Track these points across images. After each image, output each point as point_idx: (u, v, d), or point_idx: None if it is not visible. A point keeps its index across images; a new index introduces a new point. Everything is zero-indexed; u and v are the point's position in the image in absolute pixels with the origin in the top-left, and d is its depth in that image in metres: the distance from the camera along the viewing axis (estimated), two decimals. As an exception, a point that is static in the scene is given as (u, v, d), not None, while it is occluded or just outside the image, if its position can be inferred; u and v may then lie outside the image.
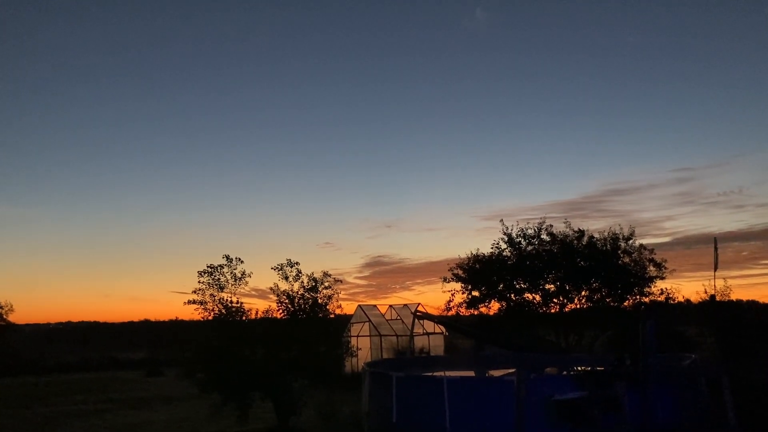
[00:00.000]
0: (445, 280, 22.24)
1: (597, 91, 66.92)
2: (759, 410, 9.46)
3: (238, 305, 13.25)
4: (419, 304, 28.29)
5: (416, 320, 25.44)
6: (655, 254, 20.83)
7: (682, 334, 19.50)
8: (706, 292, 19.12)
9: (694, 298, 20.50)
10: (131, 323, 75.45)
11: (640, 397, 8.44)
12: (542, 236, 21.39)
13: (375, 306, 29.37)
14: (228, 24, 71.27)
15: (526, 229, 21.56)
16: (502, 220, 21.80)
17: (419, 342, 27.44)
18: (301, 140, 79.22)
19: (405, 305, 29.64)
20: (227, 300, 13.21)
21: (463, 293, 21.76)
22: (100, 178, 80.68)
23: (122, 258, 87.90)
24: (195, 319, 13.79)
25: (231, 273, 13.23)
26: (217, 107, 76.39)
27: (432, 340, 28.31)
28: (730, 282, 22.68)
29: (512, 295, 21.21)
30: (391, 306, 29.86)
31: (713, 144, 68.83)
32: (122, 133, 77.71)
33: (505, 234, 21.64)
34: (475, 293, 21.54)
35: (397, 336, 26.82)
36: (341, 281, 14.26)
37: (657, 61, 64.27)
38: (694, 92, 65.27)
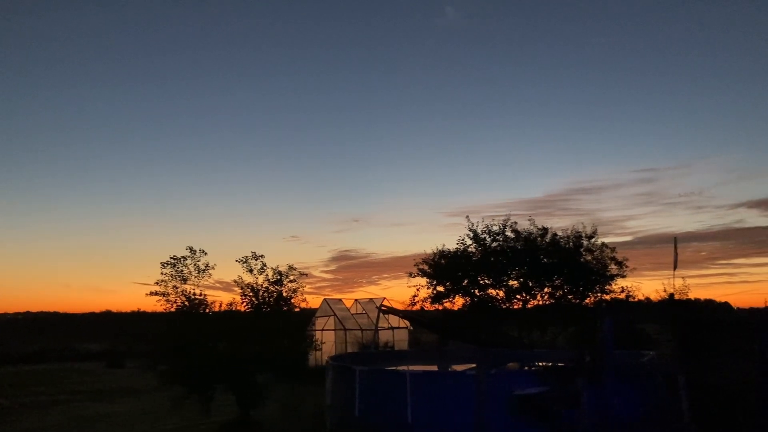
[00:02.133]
0: (410, 275, 22.35)
1: (564, 91, 67.69)
2: (712, 406, 9.70)
3: (202, 297, 13.15)
4: (385, 298, 28.40)
5: (381, 314, 25.55)
6: (616, 253, 21.21)
7: (642, 332, 19.89)
8: (665, 291, 19.56)
9: (654, 297, 20.97)
10: (92, 314, 74.17)
11: (597, 393, 8.60)
12: (507, 233, 21.61)
13: (341, 300, 29.38)
14: (190, 12, 70.28)
15: (492, 226, 21.77)
16: (467, 217, 21.98)
17: (384, 336, 27.52)
18: (268, 133, 78.57)
19: (371, 300, 29.70)
20: (190, 292, 13.09)
21: (428, 288, 21.90)
22: (61, 167, 79.11)
23: (83, 247, 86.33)
24: (158, 310, 13.65)
25: (194, 265, 13.12)
26: (182, 98, 75.29)
27: (397, 334, 28.42)
28: (688, 281, 23.25)
29: (476, 291, 21.40)
30: (356, 300, 29.90)
31: (675, 146, 70.24)
32: (85, 122, 76.13)
33: (470, 230, 21.82)
34: (440, 288, 21.68)
35: (362, 330, 26.85)
36: (306, 275, 14.26)
37: (622, 63, 65.23)
38: (658, 95, 66.49)
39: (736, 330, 10.67)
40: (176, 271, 13.05)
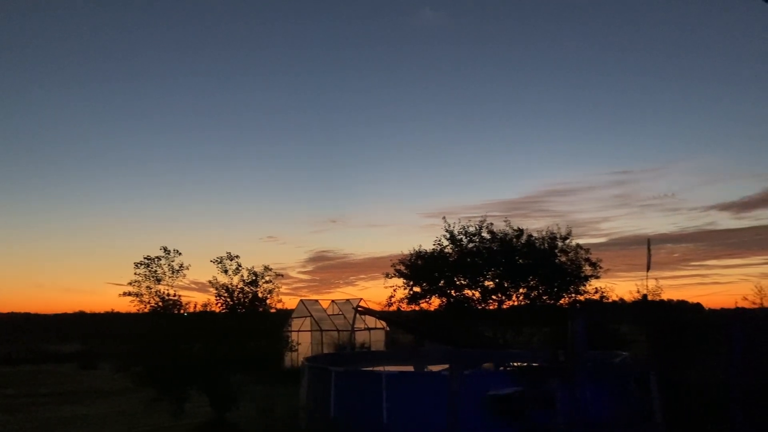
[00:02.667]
0: (387, 275, 22.37)
1: (540, 94, 68.30)
2: (684, 406, 9.84)
3: (176, 298, 13.02)
4: (361, 299, 28.38)
5: (358, 315, 25.53)
6: (590, 254, 21.43)
7: (616, 332, 20.11)
8: (638, 292, 19.77)
9: (628, 297, 21.19)
10: (65, 315, 73.04)
11: (571, 393, 8.67)
12: (483, 234, 21.73)
13: (317, 301, 29.32)
14: (166, 13, 69.66)
15: (468, 227, 21.88)
16: (444, 218, 22.08)
17: (360, 337, 27.52)
18: (245, 133, 78.18)
19: (347, 300, 29.66)
20: (164, 292, 12.96)
21: (404, 289, 21.94)
22: (33, 166, 77.92)
23: (56, 247, 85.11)
24: (132, 311, 13.49)
25: (168, 265, 12.98)
26: (157, 98, 74.59)
27: (373, 335, 28.42)
28: (661, 282, 23.54)
29: (453, 292, 21.49)
30: (333, 301, 29.83)
31: (649, 149, 71.21)
32: (58, 123, 75.10)
33: (447, 231, 21.92)
34: (417, 289, 21.74)
35: (338, 331, 26.81)
36: (282, 276, 14.19)
37: (598, 66, 65.99)
38: (633, 98, 67.32)
39: (706, 331, 10.83)
40: (150, 271, 12.91)
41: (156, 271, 12.92)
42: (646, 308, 18.35)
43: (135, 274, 12.90)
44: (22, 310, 77.40)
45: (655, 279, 20.98)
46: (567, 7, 65.41)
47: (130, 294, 12.89)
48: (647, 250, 15.91)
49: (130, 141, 78.08)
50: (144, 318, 13.14)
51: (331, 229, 76.77)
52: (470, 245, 21.72)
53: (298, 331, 26.52)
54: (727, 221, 67.80)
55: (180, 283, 13.16)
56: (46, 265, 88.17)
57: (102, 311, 60.24)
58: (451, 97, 72.65)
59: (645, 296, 19.87)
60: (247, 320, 13.14)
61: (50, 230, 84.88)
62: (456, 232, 21.81)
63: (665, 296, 20.20)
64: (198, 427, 12.99)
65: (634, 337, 20.45)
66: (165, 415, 13.24)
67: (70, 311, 74.91)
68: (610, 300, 21.35)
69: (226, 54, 72.42)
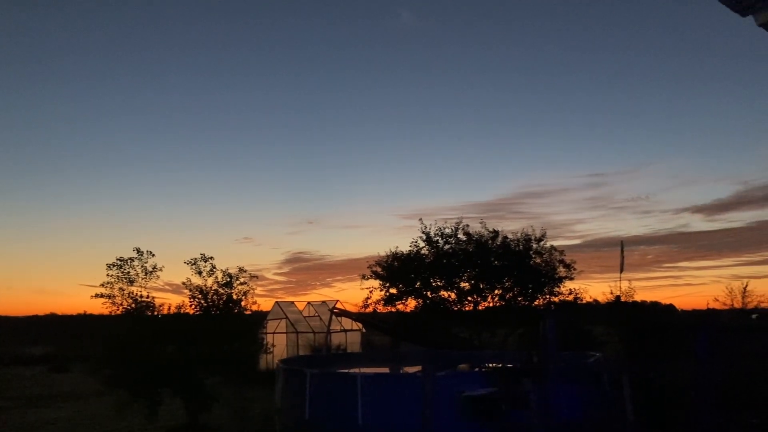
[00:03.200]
0: (363, 277, 22.39)
1: (515, 96, 68.83)
2: (655, 405, 9.99)
3: (149, 299, 12.89)
4: (338, 300, 28.33)
5: (334, 317, 25.48)
6: (565, 255, 21.66)
7: (590, 333, 20.34)
8: (612, 293, 20.03)
9: (602, 299, 21.45)
10: (36, 317, 71.87)
11: (543, 393, 8.78)
12: (459, 236, 21.86)
13: (293, 303, 29.16)
14: (142, 13, 68.98)
15: (444, 229, 22.00)
16: (421, 219, 22.18)
17: (336, 339, 27.44)
18: (221, 134, 77.59)
19: (323, 302, 29.57)
20: (137, 294, 12.82)
21: (381, 290, 21.97)
22: (4, 167, 76.42)
23: (27, 249, 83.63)
24: (104, 313, 13.33)
25: (142, 266, 12.84)
26: (129, 99, 73.72)
27: (349, 336, 28.36)
28: (635, 284, 23.92)
29: (429, 293, 21.57)
30: (309, 303, 29.72)
31: (623, 152, 72.06)
32: (27, 122, 73.84)
33: (423, 233, 22.00)
34: (393, 290, 21.78)
35: (314, 333, 26.71)
36: (257, 277, 14.11)
37: (572, 69, 66.70)
38: (607, 102, 68.10)
39: (676, 332, 11.02)
40: (123, 272, 12.76)
41: (129, 272, 12.78)
42: (620, 309, 18.59)
43: (107, 275, 12.75)
44: (-8, 313, 76.00)
45: (629, 280, 21.35)
46: (543, 11, 66.04)
47: (102, 296, 12.72)
48: (621, 251, 16.15)
49: (103, 141, 77.04)
50: (117, 320, 13.00)
51: (307, 230, 76.58)
52: (446, 247, 21.83)
53: (274, 333, 26.37)
54: (699, 223, 68.77)
55: (153, 284, 13.04)
56: (17, 267, 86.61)
57: (74, 313, 59.32)
58: (427, 100, 72.86)
59: (618, 297, 20.13)
60: (222, 322, 13.05)
61: (21, 231, 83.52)
62: (432, 233, 21.93)
63: (638, 297, 20.50)
64: (171, 430, 12.85)
65: (608, 338, 20.70)
66: (137, 418, 13.09)
67: (41, 313, 73.76)
68: (584, 301, 21.60)
69: (199, 56, 71.86)
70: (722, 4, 2.60)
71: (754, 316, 20.78)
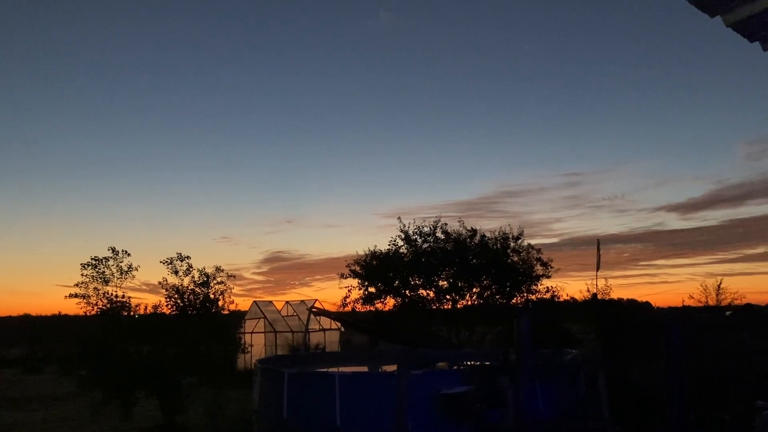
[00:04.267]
0: (342, 276, 22.36)
1: (495, 96, 69.03)
2: (630, 403, 10.10)
3: (124, 299, 12.78)
4: (316, 300, 28.28)
5: (312, 316, 25.41)
6: (542, 254, 21.80)
7: (567, 331, 20.52)
8: (589, 291, 20.28)
9: (579, 296, 21.71)
10: (9, 318, 70.78)
11: (517, 391, 8.83)
12: (437, 234, 21.91)
13: (271, 302, 29.05)
14: (114, 10, 68.20)
15: (423, 227, 22.03)
16: (399, 218, 22.20)
17: (315, 338, 27.38)
18: (198, 131, 76.82)
19: (302, 301, 29.51)
20: (112, 294, 12.70)
21: (359, 289, 21.96)
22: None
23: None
24: (79, 313, 13.20)
25: (117, 266, 12.73)
26: (104, 97, 72.78)
27: (328, 336, 28.32)
28: (611, 282, 24.26)
29: (407, 292, 21.60)
30: (287, 302, 29.63)
31: (600, 152, 72.66)
32: (0, 118, 72.57)
33: (402, 231, 22.02)
34: (372, 289, 21.78)
35: (292, 332, 26.63)
36: (234, 276, 14.06)
37: (549, 70, 67.13)
38: (583, 102, 68.60)
39: (652, 329, 11.13)
40: (98, 272, 12.65)
41: (104, 272, 12.67)
42: (597, 307, 18.81)
43: (82, 275, 12.63)
44: (-36, 313, 74.74)
45: (605, 278, 21.62)
46: (518, 12, 66.39)
47: (76, 296, 12.61)
48: (597, 250, 16.31)
49: (77, 140, 75.94)
50: (92, 320, 12.88)
51: (286, 229, 76.18)
52: (425, 245, 21.88)
53: (252, 332, 26.25)
54: (674, 222, 69.69)
55: (129, 284, 12.94)
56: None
57: (48, 314, 58.55)
58: (406, 99, 72.85)
59: (595, 295, 20.36)
60: (198, 322, 12.98)
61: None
62: (411, 232, 21.96)
63: (615, 295, 20.83)
64: (146, 430, 12.75)
65: (585, 335, 20.90)
66: (112, 419, 12.96)
67: (14, 314, 72.61)
68: (561, 299, 21.80)
69: (175, 55, 71.19)
70: (690, 4, 2.63)
71: (728, 312, 21.13)
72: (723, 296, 25.69)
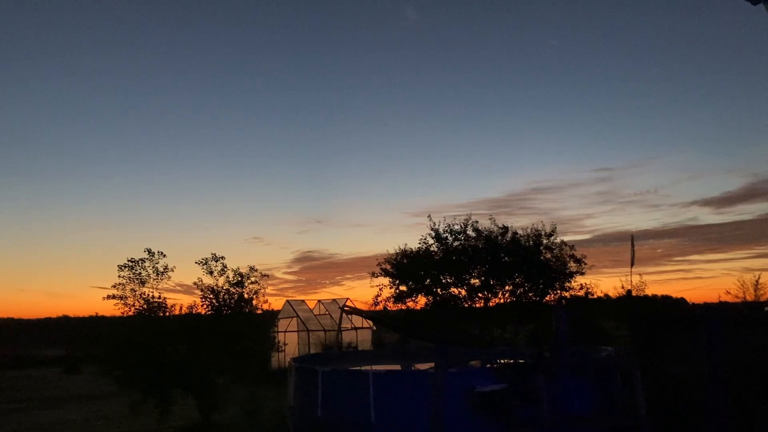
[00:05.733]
0: (373, 275, 22.41)
1: (523, 92, 68.59)
2: (666, 400, 9.95)
3: (160, 300, 12.95)
4: (348, 298, 28.38)
5: (344, 315, 25.52)
6: (575, 250, 21.58)
7: (601, 328, 20.28)
8: (623, 287, 20.00)
9: (612, 293, 21.42)
10: (48, 319, 72.35)
11: (554, 388, 8.75)
12: (468, 232, 21.83)
13: (303, 301, 29.25)
14: (154, 13, 69.21)
15: (453, 225, 21.96)
16: (429, 216, 22.14)
17: (347, 337, 27.49)
18: (230, 133, 77.78)
19: (333, 300, 29.64)
20: (149, 295, 12.89)
21: (390, 288, 21.98)
22: (15, 168, 76.95)
23: (38, 251, 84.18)
24: (116, 314, 13.40)
25: (153, 267, 12.91)
26: (138, 97, 74.01)
27: (360, 334, 28.40)
28: (645, 278, 23.86)
29: (438, 290, 21.55)
30: (319, 301, 29.79)
31: (631, 146, 71.80)
32: (38, 123, 74.26)
33: (432, 229, 21.97)
34: (403, 288, 21.78)
35: (324, 331, 26.77)
36: (268, 276, 14.15)
37: (579, 65, 66.41)
38: (614, 96, 67.79)
39: (688, 325, 10.95)
40: (134, 273, 12.84)
41: (140, 273, 12.85)
42: (631, 303, 18.54)
43: (119, 276, 12.83)
44: (5, 315, 76.65)
45: (639, 275, 21.23)
46: (548, 6, 65.78)
47: (114, 297, 12.81)
48: (631, 245, 16.05)
49: (115, 142, 77.46)
50: (129, 321, 13.07)
51: (316, 229, 76.71)
52: (455, 243, 21.80)
53: (285, 331, 26.45)
54: (708, 216, 68.37)
55: (165, 285, 13.11)
56: (29, 270, 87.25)
57: (86, 315, 59.58)
58: (435, 97, 72.83)
59: (629, 292, 20.04)
60: (233, 322, 13.09)
61: (33, 234, 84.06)
62: (441, 230, 21.91)
63: (649, 291, 20.50)
64: (183, 429, 12.92)
65: (619, 332, 20.64)
66: (150, 418, 13.16)
67: (53, 315, 74.21)
68: (594, 296, 21.54)
69: (212, 56, 72.10)
70: (732, -6, 2.57)
71: (767, 308, 20.66)
72: (762, 291, 25.08)
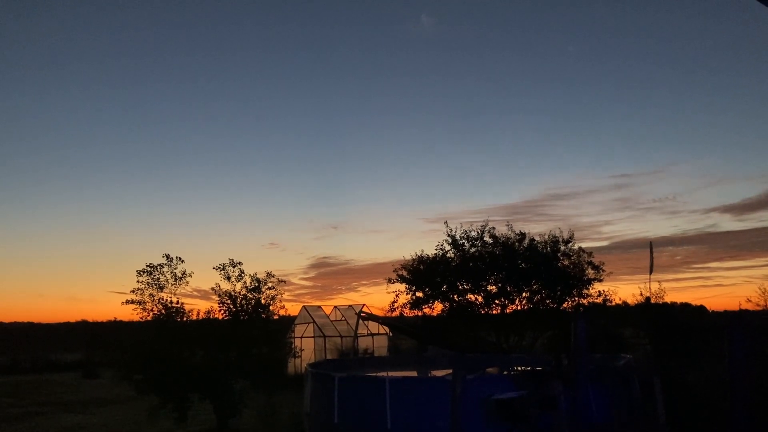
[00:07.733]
0: (389, 281, 22.34)
1: (540, 98, 68.28)
2: (687, 408, 9.84)
3: (178, 305, 13.05)
4: (364, 305, 28.38)
5: (360, 321, 25.52)
6: (593, 257, 21.37)
7: (619, 336, 20.08)
8: (641, 295, 19.74)
9: (631, 301, 21.16)
10: (67, 324, 73.06)
11: (573, 396, 8.68)
12: (485, 238, 21.69)
13: (320, 307, 29.30)
14: (171, 11, 69.86)
15: (470, 231, 21.84)
16: (446, 222, 22.05)
17: (363, 343, 27.49)
18: (245, 138, 78.14)
19: (350, 306, 29.66)
20: (167, 300, 12.99)
21: (407, 294, 21.89)
22: (34, 173, 77.88)
23: (58, 257, 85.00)
24: (134, 319, 13.52)
25: (171, 273, 13.02)
26: (154, 102, 74.63)
27: (376, 340, 28.40)
28: (664, 285, 23.58)
29: (455, 296, 21.43)
30: (335, 307, 29.83)
31: (649, 152, 70.97)
32: (57, 128, 75.05)
33: (449, 236, 21.86)
34: (419, 294, 21.68)
35: (341, 337, 26.79)
36: (285, 282, 14.23)
37: (597, 70, 65.97)
38: (632, 101, 67.25)
39: (708, 333, 10.83)
40: (152, 279, 12.95)
41: (158, 278, 12.96)
42: (650, 311, 18.35)
43: (137, 282, 12.96)
44: (25, 320, 77.54)
45: (658, 282, 21.04)
46: (564, 12, 65.52)
47: (132, 302, 12.93)
48: (650, 252, 15.92)
49: (132, 147, 78.09)
50: (147, 326, 13.18)
51: (332, 235, 76.69)
52: (472, 250, 21.69)
53: (301, 337, 26.50)
54: (728, 223, 67.52)
55: (183, 290, 13.22)
56: (48, 275, 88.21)
57: (104, 320, 60.21)
58: (450, 102, 72.70)
59: (648, 299, 19.85)
60: (250, 327, 13.15)
61: (52, 239, 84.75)
62: (458, 236, 21.79)
63: (668, 299, 20.21)
64: (201, 434, 13.00)
65: (638, 340, 20.42)
66: (168, 422, 13.24)
67: (72, 320, 74.97)
68: (613, 303, 21.31)
69: (225, 59, 72.52)
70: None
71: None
72: (784, 300, 24.71)
